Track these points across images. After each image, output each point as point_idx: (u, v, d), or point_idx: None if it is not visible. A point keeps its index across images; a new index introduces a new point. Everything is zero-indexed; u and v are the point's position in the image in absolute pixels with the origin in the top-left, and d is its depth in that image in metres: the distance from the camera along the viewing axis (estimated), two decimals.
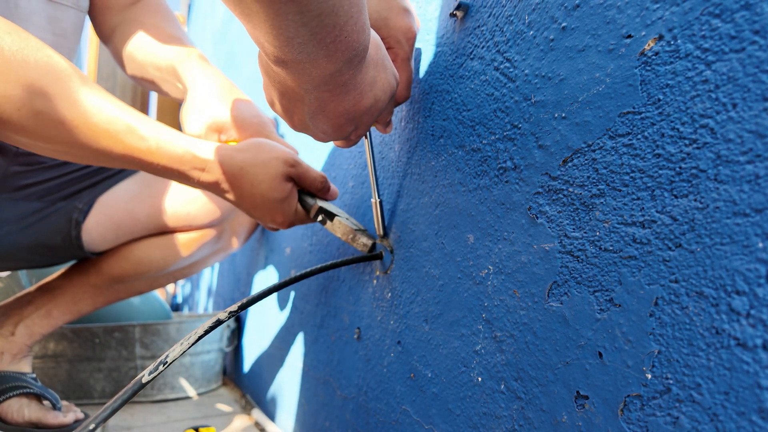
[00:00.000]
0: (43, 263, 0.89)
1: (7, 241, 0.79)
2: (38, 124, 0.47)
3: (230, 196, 0.57)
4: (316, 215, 0.58)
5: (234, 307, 0.43)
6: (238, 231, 0.97)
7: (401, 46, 0.46)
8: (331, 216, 0.57)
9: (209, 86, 0.67)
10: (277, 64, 0.34)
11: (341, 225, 0.56)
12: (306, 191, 0.59)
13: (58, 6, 0.69)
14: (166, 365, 0.40)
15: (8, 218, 0.77)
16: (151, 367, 0.40)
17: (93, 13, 0.81)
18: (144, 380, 0.39)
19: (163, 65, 0.73)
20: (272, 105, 0.42)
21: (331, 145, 0.73)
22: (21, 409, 0.79)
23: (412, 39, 0.47)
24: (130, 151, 0.51)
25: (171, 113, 2.34)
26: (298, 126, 0.42)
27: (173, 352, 0.40)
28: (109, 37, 0.82)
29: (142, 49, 0.75)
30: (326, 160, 0.75)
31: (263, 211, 0.58)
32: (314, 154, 0.79)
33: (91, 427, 0.37)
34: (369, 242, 0.55)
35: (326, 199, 0.61)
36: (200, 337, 0.42)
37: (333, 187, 0.61)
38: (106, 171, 0.85)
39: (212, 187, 0.56)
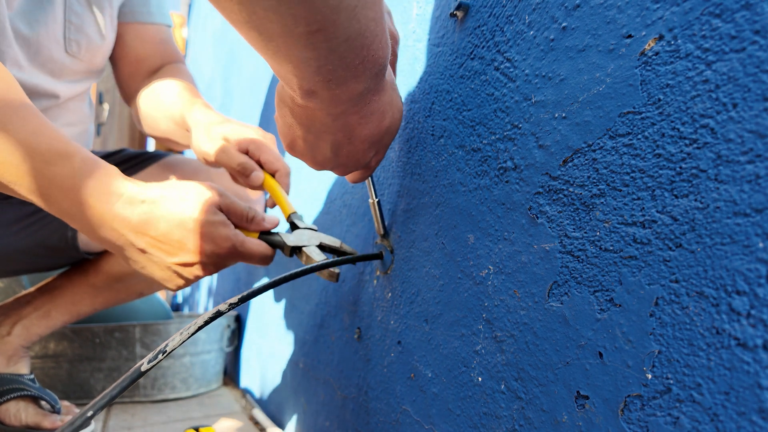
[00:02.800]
0: (42, 266, 0.89)
1: (6, 244, 0.79)
2: None
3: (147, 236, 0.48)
4: (291, 252, 0.55)
5: (234, 299, 0.43)
6: None
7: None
8: (298, 249, 0.54)
9: (210, 116, 0.70)
10: (306, 96, 0.34)
11: (308, 258, 0.53)
12: (267, 232, 0.56)
13: (73, 59, 0.76)
14: (165, 354, 0.40)
15: (7, 222, 0.78)
16: (150, 356, 0.39)
17: (120, 79, 0.90)
18: (143, 368, 0.38)
19: (175, 116, 0.77)
20: (293, 147, 0.42)
21: None
22: (18, 412, 0.79)
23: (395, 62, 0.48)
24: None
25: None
26: (320, 163, 0.42)
27: (173, 342, 0.40)
28: (132, 100, 0.89)
29: (158, 107, 0.80)
30: None
31: (188, 239, 0.48)
32: None
33: (89, 414, 0.36)
34: (335, 272, 0.52)
35: (266, 229, 0.55)
36: (200, 328, 0.41)
37: (266, 216, 0.55)
38: None
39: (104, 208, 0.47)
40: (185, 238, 0.48)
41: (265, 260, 0.54)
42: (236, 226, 0.53)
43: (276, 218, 0.57)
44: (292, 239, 0.55)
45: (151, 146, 2.68)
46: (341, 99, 0.35)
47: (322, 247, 0.56)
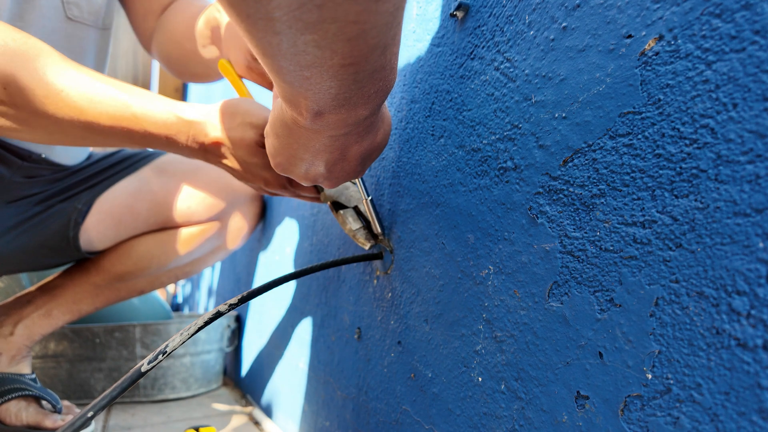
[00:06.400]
0: (43, 265, 0.89)
1: (8, 246, 0.79)
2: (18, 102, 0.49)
3: (222, 160, 0.56)
4: (326, 200, 0.57)
5: (234, 300, 0.43)
6: (238, 228, 0.97)
7: None
8: (337, 206, 0.56)
9: None
10: (312, 117, 0.34)
11: (343, 220, 0.55)
12: None
13: (77, 24, 0.69)
14: (165, 354, 0.40)
15: (9, 225, 0.77)
16: (150, 357, 0.39)
17: (135, 23, 0.85)
18: (143, 369, 0.38)
19: (201, 28, 0.72)
20: (284, 165, 0.42)
21: None
22: (19, 412, 0.79)
23: None
24: (116, 120, 0.51)
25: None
26: (312, 178, 0.44)
27: (173, 342, 0.40)
28: (150, 40, 0.84)
29: (180, 24, 0.76)
30: None
31: (252, 174, 0.56)
32: None
33: (90, 414, 0.36)
34: (368, 242, 0.55)
35: None
36: (200, 328, 0.41)
37: None
38: (106, 173, 0.85)
39: (201, 152, 0.55)
40: (240, 176, 0.57)
41: (311, 198, 0.59)
42: None
43: None
44: (333, 190, 0.56)
45: None
46: (347, 122, 0.36)
47: (359, 213, 0.56)
